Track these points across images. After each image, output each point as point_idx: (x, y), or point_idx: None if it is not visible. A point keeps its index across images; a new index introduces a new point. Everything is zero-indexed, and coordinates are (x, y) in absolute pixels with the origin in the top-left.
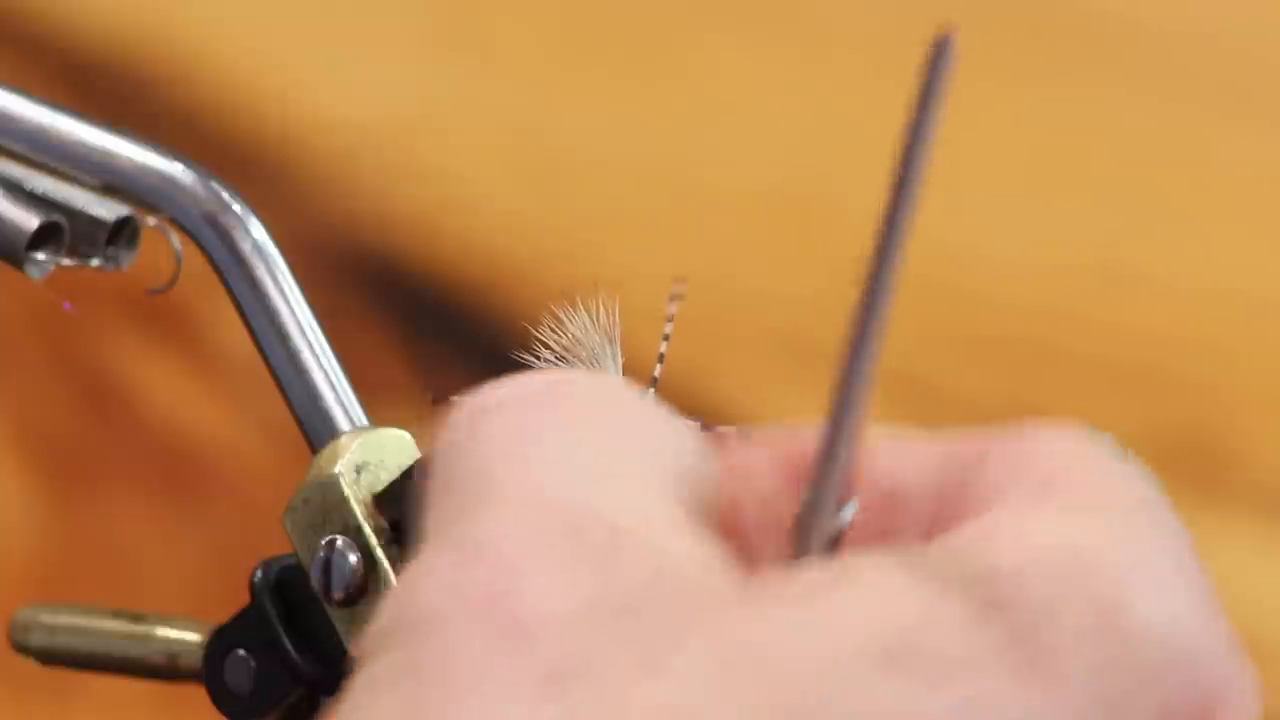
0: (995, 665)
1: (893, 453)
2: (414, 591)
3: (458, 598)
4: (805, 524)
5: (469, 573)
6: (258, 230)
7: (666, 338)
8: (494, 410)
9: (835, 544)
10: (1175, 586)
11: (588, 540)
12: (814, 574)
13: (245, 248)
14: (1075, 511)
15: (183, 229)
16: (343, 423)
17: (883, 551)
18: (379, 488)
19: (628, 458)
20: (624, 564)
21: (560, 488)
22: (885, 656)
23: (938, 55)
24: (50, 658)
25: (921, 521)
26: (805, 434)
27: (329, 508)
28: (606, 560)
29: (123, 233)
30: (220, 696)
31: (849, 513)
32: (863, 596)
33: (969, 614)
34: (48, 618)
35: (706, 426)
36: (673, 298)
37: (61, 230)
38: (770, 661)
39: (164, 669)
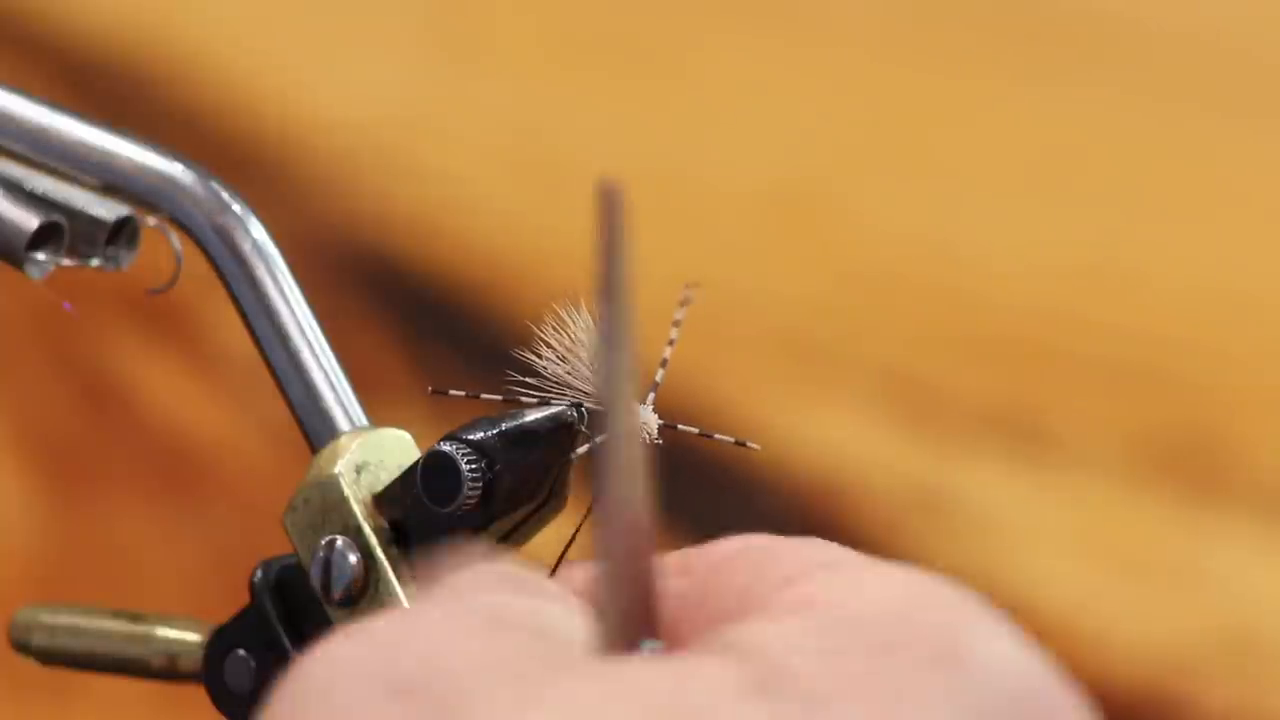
0: (856, 698)
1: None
2: (310, 664)
3: (347, 663)
4: (605, 643)
5: (363, 645)
6: (258, 230)
7: (672, 342)
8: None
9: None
10: (998, 625)
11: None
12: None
13: (245, 248)
14: (880, 579)
15: (183, 229)
16: (343, 423)
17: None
18: (379, 488)
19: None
20: (506, 632)
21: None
22: (763, 691)
23: (608, 203)
24: (50, 658)
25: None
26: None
27: (329, 508)
28: (491, 629)
29: (123, 233)
30: (220, 696)
31: (648, 649)
32: (729, 662)
33: (816, 662)
34: (48, 618)
35: (705, 434)
36: (681, 303)
37: (61, 230)
38: (630, 701)
39: (164, 669)
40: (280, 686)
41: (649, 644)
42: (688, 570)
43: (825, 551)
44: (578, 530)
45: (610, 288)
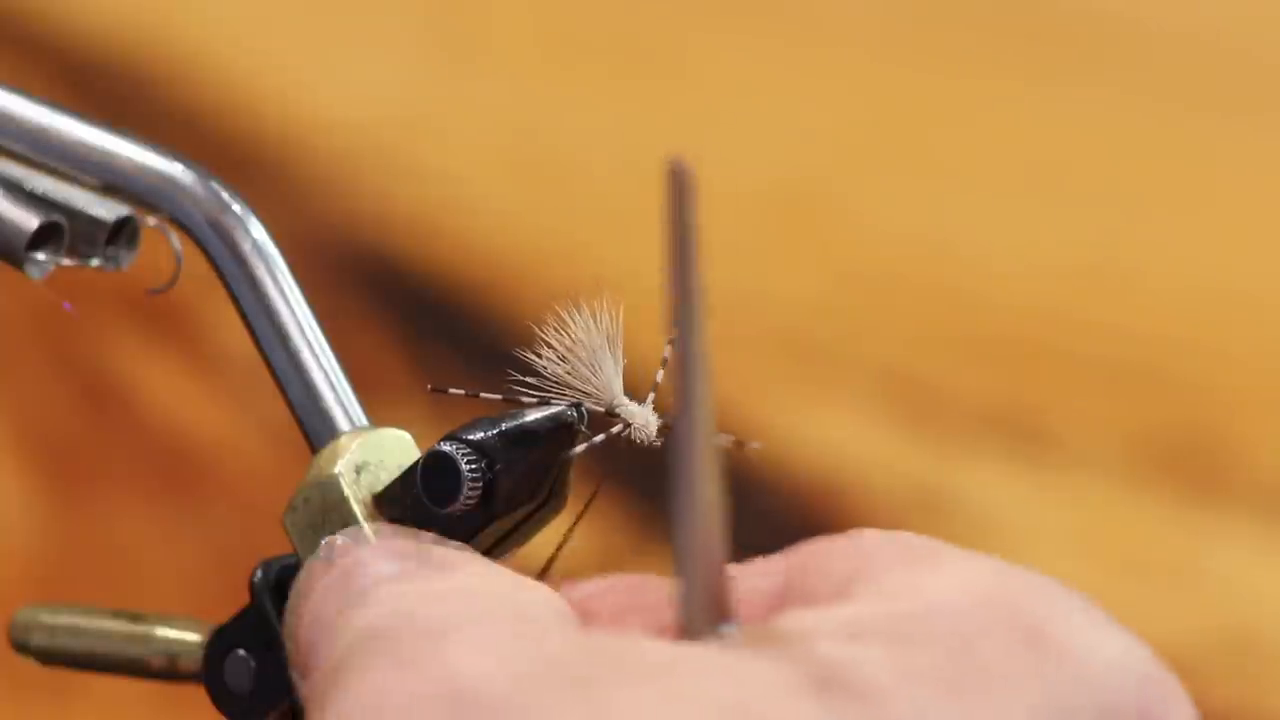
0: (925, 688)
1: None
2: (357, 700)
3: (400, 692)
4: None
5: (397, 672)
6: (258, 230)
7: (671, 342)
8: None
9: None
10: (1091, 613)
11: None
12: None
13: (245, 248)
14: (965, 567)
15: (183, 229)
16: (343, 423)
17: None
18: (379, 488)
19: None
20: (543, 635)
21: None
22: (819, 687)
23: (678, 186)
24: (50, 658)
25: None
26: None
27: (329, 508)
28: (526, 634)
29: (123, 233)
30: (220, 696)
31: (727, 633)
32: (800, 652)
33: (882, 653)
34: (48, 618)
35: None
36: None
37: (61, 230)
38: (688, 704)
39: (164, 669)
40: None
41: (727, 628)
42: (771, 571)
43: (910, 543)
44: (572, 528)
45: (681, 271)
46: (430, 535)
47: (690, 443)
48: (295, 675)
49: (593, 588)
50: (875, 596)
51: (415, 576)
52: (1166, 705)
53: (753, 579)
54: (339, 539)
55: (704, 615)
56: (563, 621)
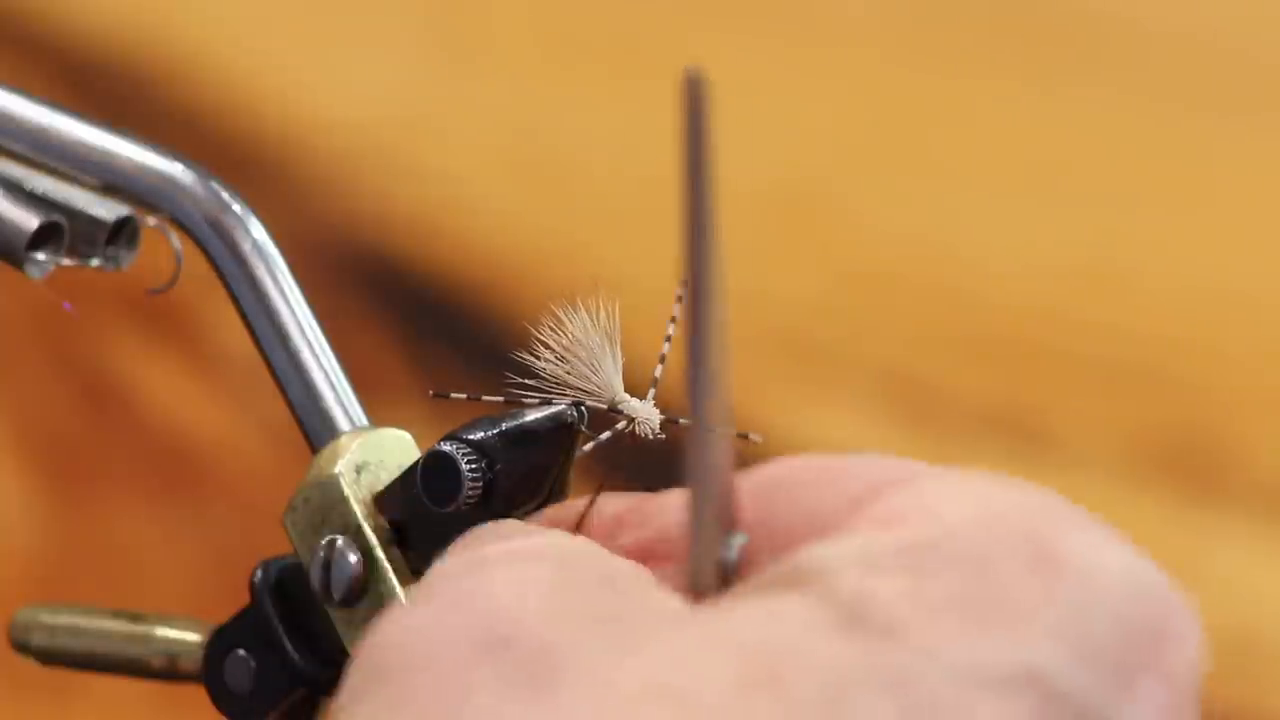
0: (947, 615)
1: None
2: (385, 635)
3: (432, 624)
4: (695, 559)
5: (437, 607)
6: (258, 230)
7: (669, 338)
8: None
9: (727, 571)
10: (1095, 529)
11: (540, 561)
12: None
13: (245, 248)
14: (962, 487)
15: (183, 229)
16: (343, 423)
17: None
18: (379, 488)
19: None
20: (580, 579)
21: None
22: (847, 623)
23: (693, 97)
24: (50, 658)
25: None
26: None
27: (329, 508)
28: (564, 577)
29: (123, 233)
30: (220, 696)
31: (737, 543)
32: (834, 582)
33: (900, 584)
34: (48, 618)
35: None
36: (678, 298)
37: (61, 230)
38: (721, 648)
39: (164, 669)
40: (357, 660)
41: (737, 537)
42: (754, 483)
43: (894, 466)
44: (577, 528)
45: (695, 190)
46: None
47: (703, 359)
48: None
49: (588, 506)
50: (876, 526)
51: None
52: (1174, 619)
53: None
54: None
55: (717, 531)
56: (601, 565)
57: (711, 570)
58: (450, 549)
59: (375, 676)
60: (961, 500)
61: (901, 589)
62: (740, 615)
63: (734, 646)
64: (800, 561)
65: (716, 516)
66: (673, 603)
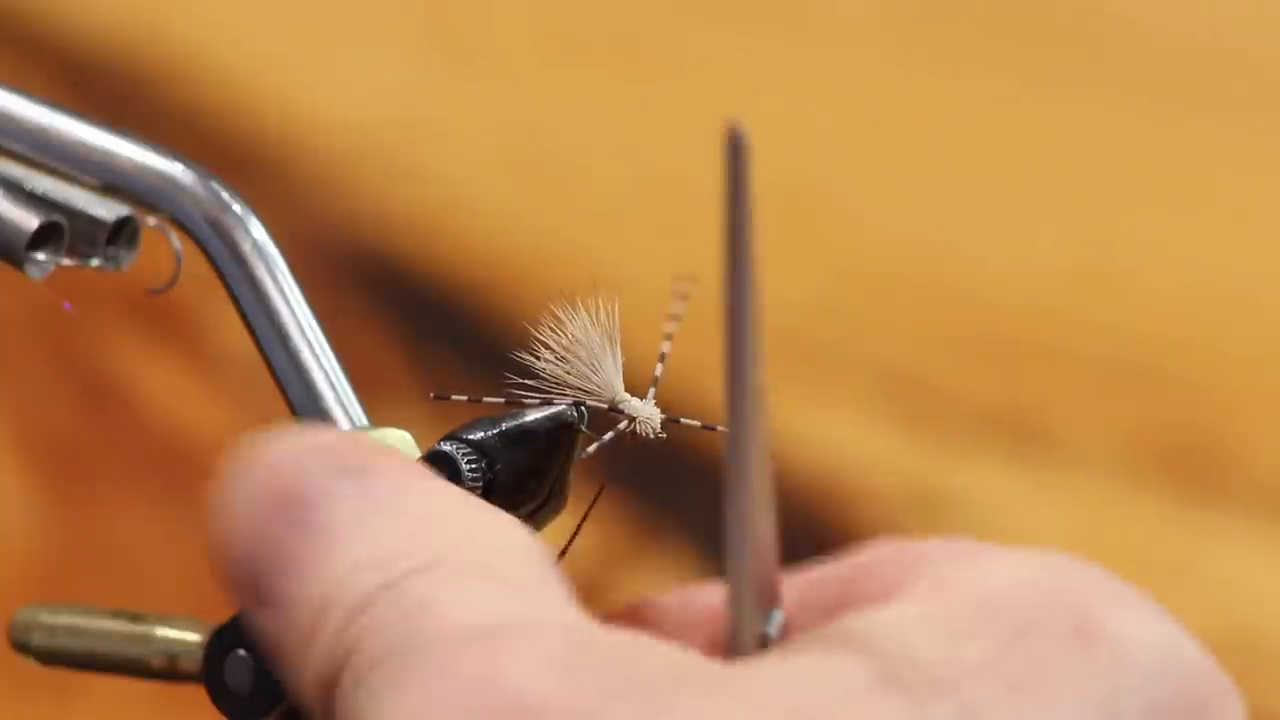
0: (986, 679)
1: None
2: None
3: (450, 710)
4: (734, 629)
5: (451, 687)
6: (258, 230)
7: (669, 337)
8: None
9: (766, 644)
10: (1142, 604)
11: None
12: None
13: (245, 248)
14: (1014, 560)
15: (183, 229)
16: (343, 423)
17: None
18: None
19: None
20: (597, 645)
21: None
22: (888, 681)
23: (734, 150)
24: (50, 658)
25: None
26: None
27: None
28: (581, 644)
29: (123, 233)
30: (220, 696)
31: (777, 620)
32: (861, 649)
33: (941, 645)
34: (48, 618)
35: (708, 426)
36: (680, 297)
37: (61, 230)
38: (757, 709)
39: (164, 669)
40: None
41: (776, 614)
42: (823, 581)
43: (965, 544)
44: (576, 531)
45: (735, 243)
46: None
47: (743, 433)
48: (231, 592)
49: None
50: (926, 592)
51: (357, 492)
52: (1216, 699)
53: (803, 590)
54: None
55: (756, 604)
56: (612, 631)
57: (750, 641)
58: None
59: None
60: (1009, 571)
61: (942, 651)
62: (775, 674)
63: (769, 706)
64: (840, 625)
65: (757, 589)
66: (700, 663)
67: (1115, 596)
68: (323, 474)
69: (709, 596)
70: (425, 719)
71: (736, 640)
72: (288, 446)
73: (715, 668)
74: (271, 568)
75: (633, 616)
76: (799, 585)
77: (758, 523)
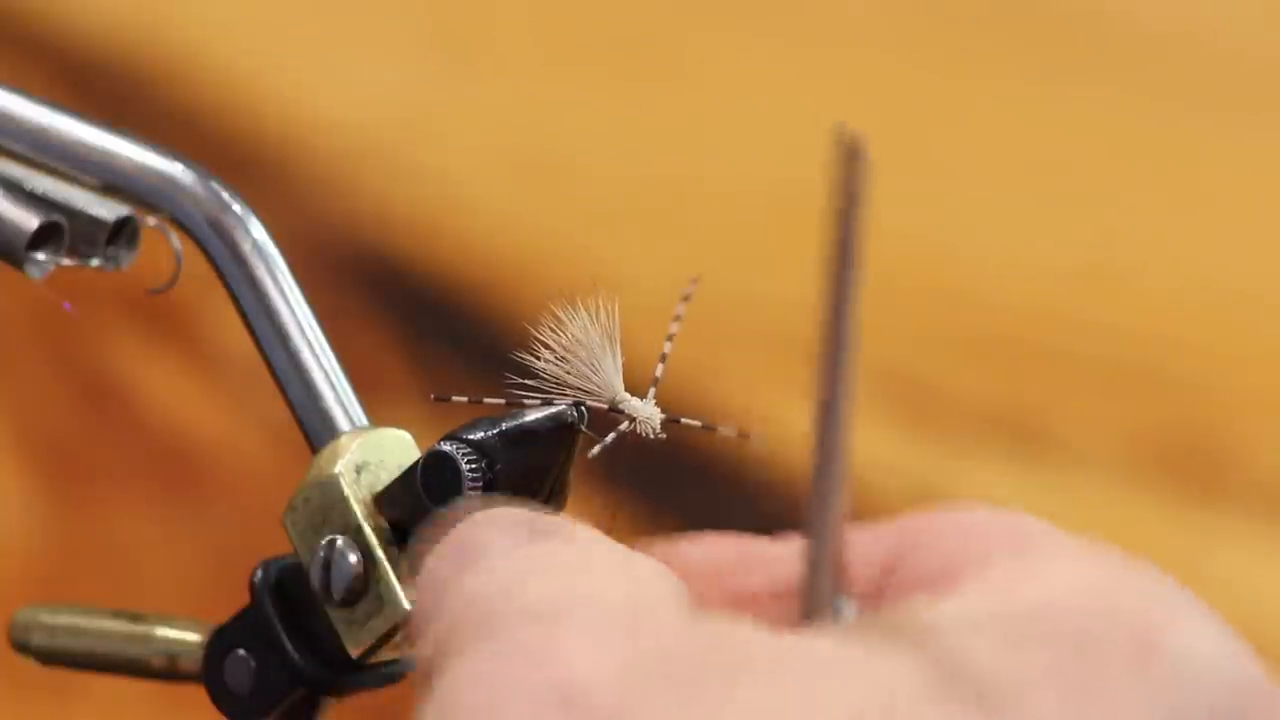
0: (1043, 692)
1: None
2: (455, 687)
3: (505, 684)
4: (810, 614)
5: (508, 662)
6: (258, 230)
7: (670, 337)
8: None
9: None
10: (1201, 616)
11: (612, 615)
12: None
13: (245, 248)
14: (1076, 564)
15: (183, 229)
16: (343, 423)
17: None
18: (379, 488)
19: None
20: (657, 629)
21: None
22: (943, 688)
23: (849, 155)
24: (50, 658)
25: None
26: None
27: (329, 507)
28: (640, 628)
29: (123, 233)
30: (220, 696)
31: (848, 610)
32: (913, 645)
33: (1000, 652)
34: (48, 618)
35: (708, 426)
36: (683, 297)
37: (61, 230)
38: (812, 706)
39: (164, 669)
40: (426, 712)
41: (848, 604)
42: (881, 539)
43: (1025, 529)
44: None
45: (844, 253)
46: (538, 506)
47: (833, 419)
48: (409, 638)
49: (695, 549)
50: (989, 590)
51: (528, 543)
52: (1273, 713)
53: (863, 545)
54: (458, 504)
55: (828, 589)
56: (678, 606)
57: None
58: (471, 549)
59: None
60: (1072, 574)
61: (1002, 657)
62: (830, 670)
63: (826, 706)
64: (904, 616)
65: (832, 575)
66: (758, 645)
67: (1176, 608)
68: (499, 532)
69: (776, 552)
70: (477, 689)
71: (809, 622)
72: (476, 515)
73: (774, 659)
74: (437, 597)
75: (737, 561)
76: (859, 541)
77: (838, 508)
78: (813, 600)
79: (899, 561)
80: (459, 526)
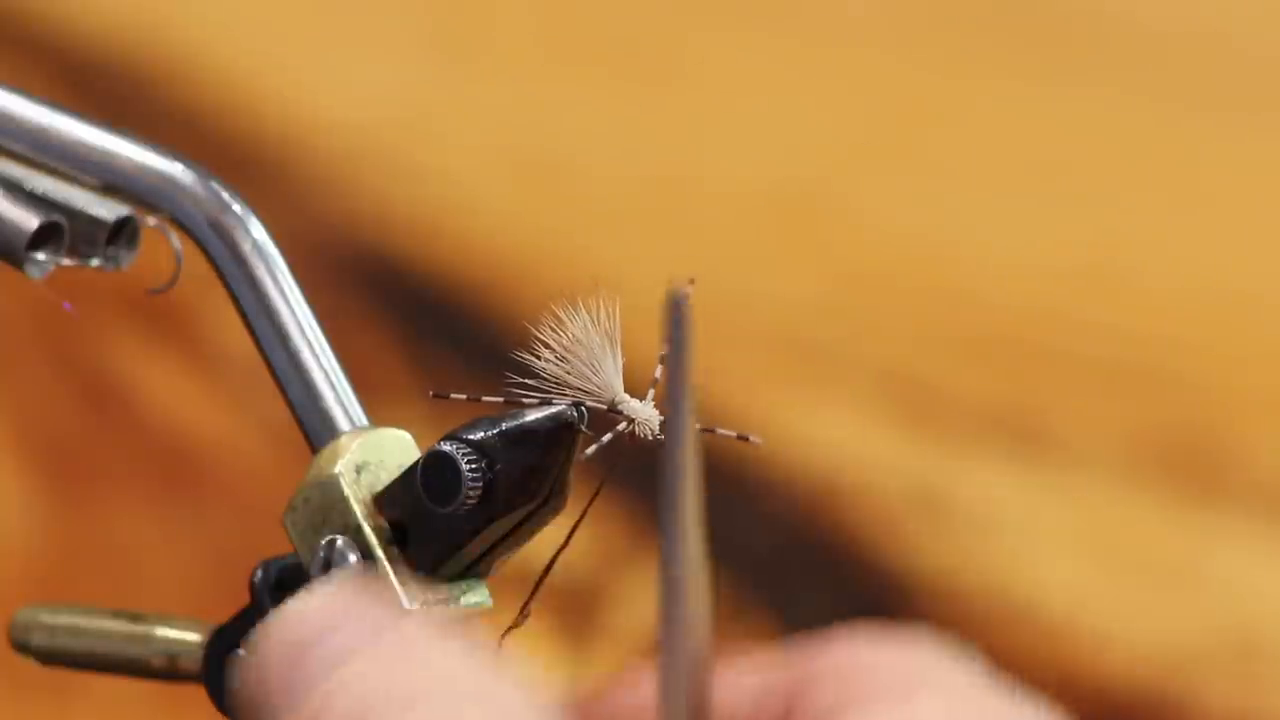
0: None
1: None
2: None
3: None
4: None
5: None
6: (258, 230)
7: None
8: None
9: None
10: None
11: None
12: None
13: (245, 248)
14: (952, 708)
15: (183, 229)
16: (343, 423)
17: None
18: (379, 488)
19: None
20: None
21: None
22: None
23: (675, 310)
24: (50, 658)
25: None
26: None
27: (329, 507)
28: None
29: (123, 233)
30: (220, 696)
31: None
32: None
33: None
34: (48, 618)
35: (707, 429)
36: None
37: (61, 230)
38: None
39: (164, 669)
40: None
41: None
42: (784, 666)
43: (915, 669)
44: (572, 531)
45: (674, 395)
46: (395, 585)
47: (676, 572)
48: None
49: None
50: None
51: (380, 655)
52: None
53: (765, 678)
54: (298, 597)
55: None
56: None
57: None
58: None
59: None
60: None
61: None
62: None
63: None
64: None
65: (691, 713)
66: None
67: None
68: (328, 622)
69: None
70: None
71: None
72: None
73: None
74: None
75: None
76: (746, 689)
77: (693, 643)
78: None
79: (801, 693)
80: (299, 622)
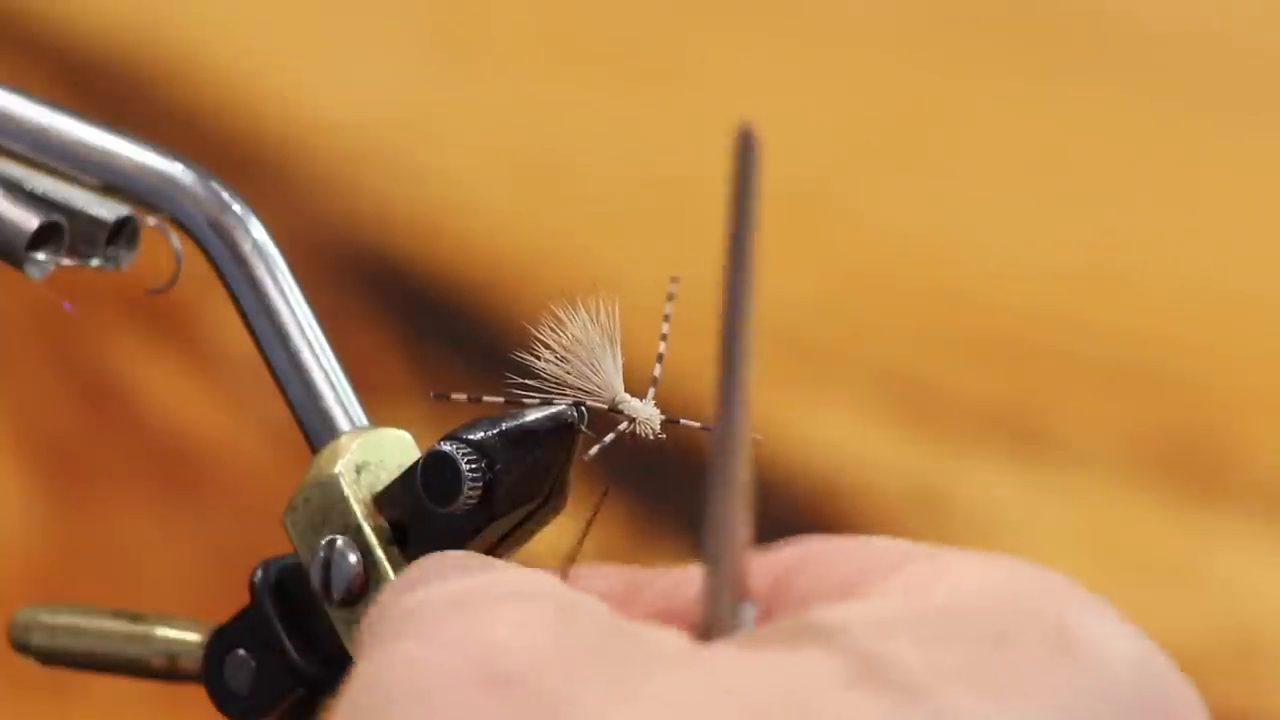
0: (959, 682)
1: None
2: (378, 672)
3: (431, 661)
4: (710, 623)
5: (434, 643)
6: (258, 230)
7: (664, 337)
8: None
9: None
10: (1113, 616)
11: (542, 604)
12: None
13: (245, 248)
14: (983, 566)
15: (183, 229)
16: (343, 423)
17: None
18: (379, 488)
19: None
20: (580, 619)
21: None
22: (856, 678)
23: (744, 149)
24: (50, 658)
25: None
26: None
27: (329, 507)
28: (565, 617)
29: (123, 233)
30: (220, 696)
31: (749, 615)
32: (819, 648)
33: (914, 646)
34: (48, 618)
35: (707, 428)
36: (669, 297)
37: (61, 230)
38: (732, 696)
39: (164, 669)
40: (348, 696)
41: (748, 608)
42: (775, 560)
43: (917, 547)
44: (584, 535)
45: (738, 245)
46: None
47: (729, 426)
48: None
49: (588, 579)
50: (896, 594)
51: (461, 572)
52: (1181, 707)
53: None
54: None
55: (730, 595)
56: (601, 608)
57: (725, 630)
58: (405, 581)
59: (371, 714)
60: (982, 576)
61: (918, 652)
62: (749, 663)
63: (741, 694)
64: (814, 618)
65: (733, 581)
66: (677, 642)
67: (1086, 606)
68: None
69: (663, 583)
70: (401, 673)
71: (711, 629)
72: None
73: (693, 652)
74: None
75: (627, 591)
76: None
77: (737, 516)
78: (716, 610)
79: (787, 580)
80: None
